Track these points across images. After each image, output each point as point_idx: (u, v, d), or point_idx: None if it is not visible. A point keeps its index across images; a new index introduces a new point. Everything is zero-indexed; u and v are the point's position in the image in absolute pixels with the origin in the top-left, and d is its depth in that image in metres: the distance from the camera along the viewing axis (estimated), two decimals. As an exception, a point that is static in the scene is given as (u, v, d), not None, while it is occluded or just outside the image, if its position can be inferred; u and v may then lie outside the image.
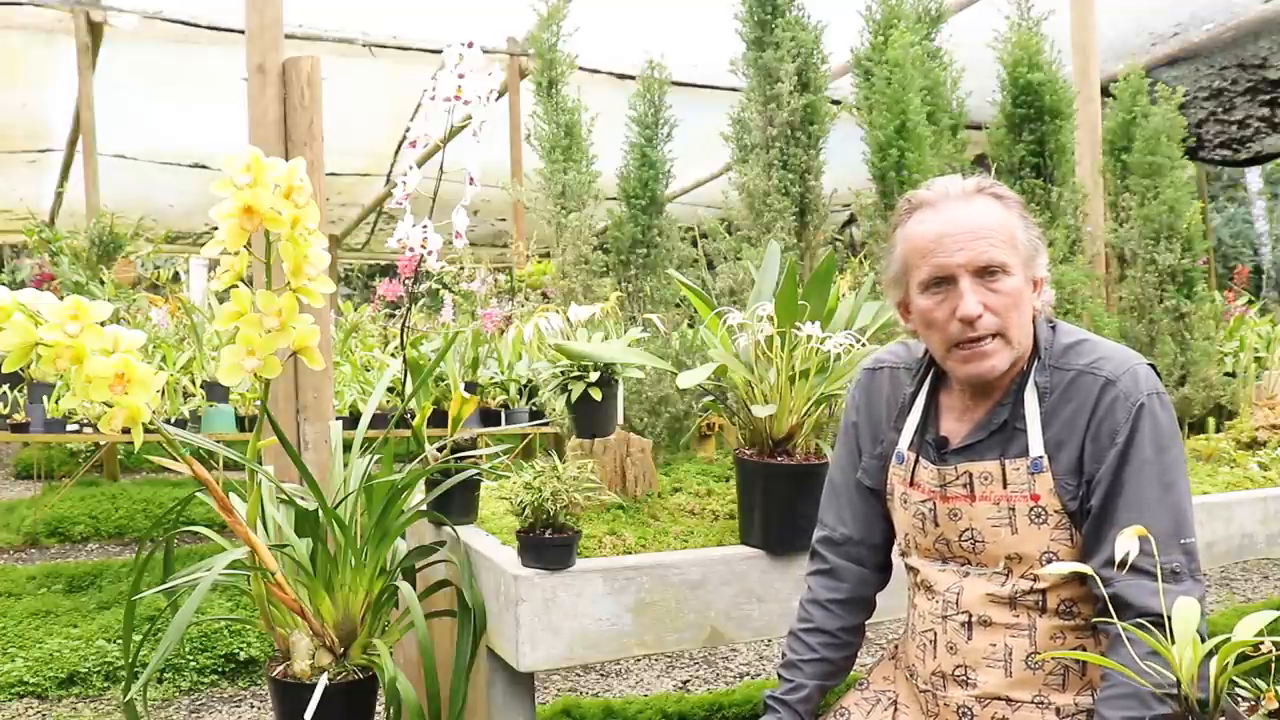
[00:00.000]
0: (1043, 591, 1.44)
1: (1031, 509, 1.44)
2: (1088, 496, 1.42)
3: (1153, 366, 1.47)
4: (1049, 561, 1.43)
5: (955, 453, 1.52)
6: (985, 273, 1.43)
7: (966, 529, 1.50)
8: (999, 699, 1.46)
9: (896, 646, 1.72)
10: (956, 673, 1.50)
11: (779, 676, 1.66)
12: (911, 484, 1.57)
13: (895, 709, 1.62)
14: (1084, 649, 1.44)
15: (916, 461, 1.56)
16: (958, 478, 1.50)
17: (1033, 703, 1.44)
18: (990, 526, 1.47)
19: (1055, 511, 1.44)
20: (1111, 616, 1.26)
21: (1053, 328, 1.53)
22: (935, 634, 1.53)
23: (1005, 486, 1.46)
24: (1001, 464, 1.47)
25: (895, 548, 1.69)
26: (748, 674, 3.72)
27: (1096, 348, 1.48)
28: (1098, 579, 1.31)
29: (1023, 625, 1.45)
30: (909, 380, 1.62)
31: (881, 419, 1.65)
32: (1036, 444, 1.45)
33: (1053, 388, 1.47)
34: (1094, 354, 1.47)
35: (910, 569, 1.62)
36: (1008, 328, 1.44)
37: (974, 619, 1.48)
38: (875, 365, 1.70)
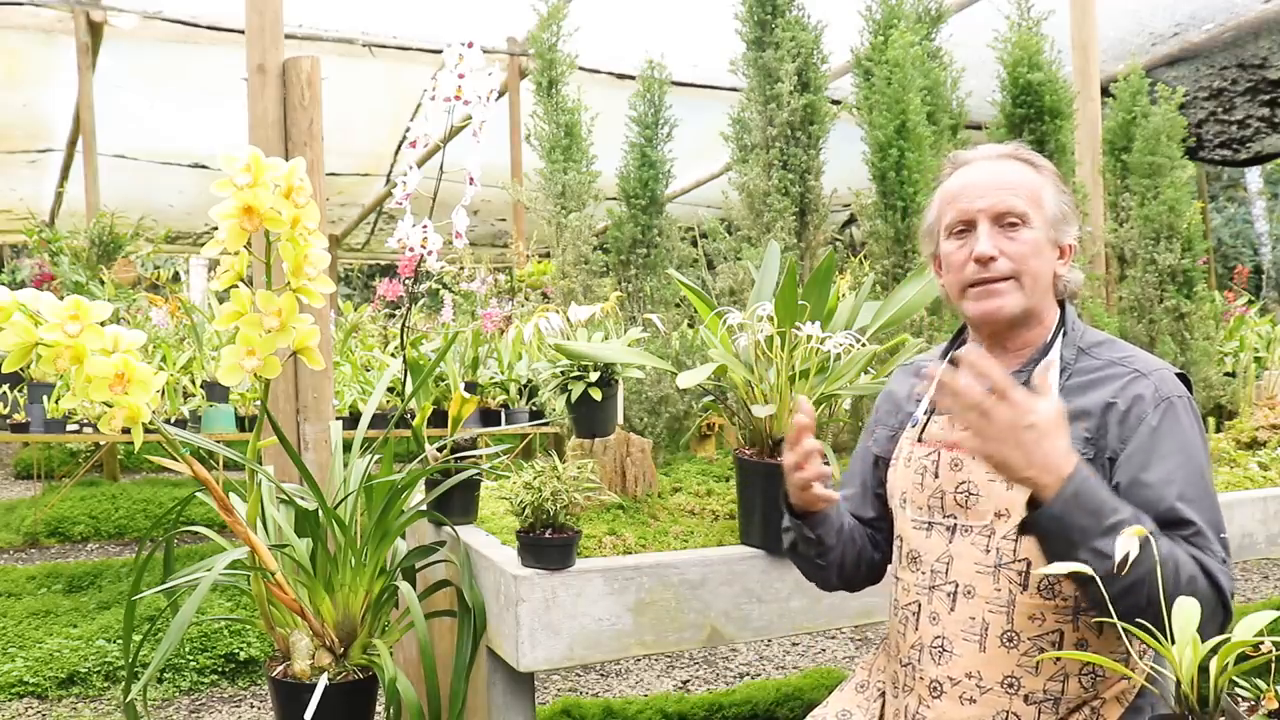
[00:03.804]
0: (1027, 561, 1.45)
1: None
2: (1101, 474, 1.42)
3: (1183, 376, 1.51)
4: None
5: None
6: (1004, 221, 1.52)
7: (964, 481, 1.52)
8: (969, 677, 1.46)
9: (886, 636, 1.73)
10: (934, 643, 1.51)
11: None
12: (920, 441, 1.60)
13: (883, 700, 1.63)
14: (1063, 633, 1.44)
15: (929, 418, 1.61)
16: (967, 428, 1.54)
17: (1001, 685, 1.45)
18: (986, 480, 1.50)
19: None
20: (1108, 611, 1.25)
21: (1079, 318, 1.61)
22: (919, 605, 1.54)
23: None
24: None
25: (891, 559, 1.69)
26: (748, 674, 3.72)
27: (1129, 348, 1.55)
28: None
29: (1002, 600, 1.46)
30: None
31: (904, 398, 1.72)
32: None
33: (1077, 370, 1.51)
34: (1126, 351, 1.54)
35: (896, 540, 1.63)
36: (1021, 273, 1.51)
37: (960, 588, 1.49)
38: (912, 362, 1.79)
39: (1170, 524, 1.37)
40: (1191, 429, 1.45)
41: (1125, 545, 1.20)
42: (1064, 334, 1.55)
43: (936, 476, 1.56)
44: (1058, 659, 1.44)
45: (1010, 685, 1.44)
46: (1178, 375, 1.50)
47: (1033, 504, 1.32)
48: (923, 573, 1.54)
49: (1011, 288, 1.51)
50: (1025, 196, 1.52)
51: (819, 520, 1.61)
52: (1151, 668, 1.18)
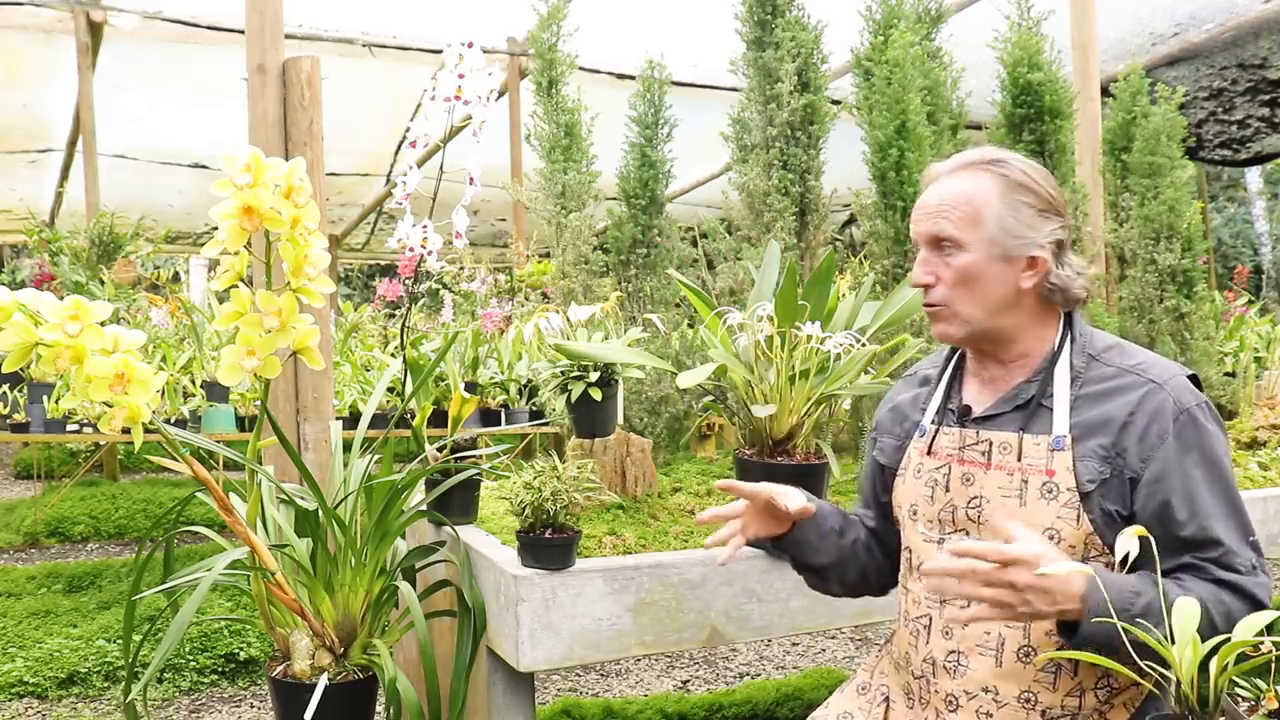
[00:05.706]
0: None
1: (1044, 484, 1.44)
2: (1119, 492, 1.41)
3: (1194, 377, 1.49)
4: (1052, 538, 1.42)
5: (977, 420, 1.55)
6: (937, 245, 1.51)
7: (976, 496, 1.50)
8: (986, 691, 1.45)
9: (889, 638, 1.72)
10: (948, 659, 1.49)
11: None
12: (929, 453, 1.58)
13: (887, 705, 1.62)
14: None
15: (938, 429, 1.59)
16: (978, 443, 1.53)
17: (1018, 700, 1.44)
18: (1000, 496, 1.48)
19: (1067, 489, 1.43)
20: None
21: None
22: (931, 618, 1.53)
23: (1020, 459, 1.47)
24: (1020, 437, 1.48)
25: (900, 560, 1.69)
26: (748, 674, 3.72)
27: (1140, 353, 1.51)
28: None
29: None
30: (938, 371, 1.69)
31: (909, 407, 1.69)
32: (1062, 423, 1.45)
33: (1089, 379, 1.48)
34: (1138, 357, 1.50)
35: (905, 551, 1.62)
36: (951, 302, 1.50)
37: (972, 603, 1.48)
38: (915, 371, 1.76)
39: (1200, 544, 1.37)
40: (1213, 437, 1.42)
41: (1125, 545, 1.20)
42: (1072, 340, 1.51)
43: (947, 490, 1.54)
44: (1075, 673, 1.42)
45: (1027, 700, 1.43)
46: (1189, 378, 1.47)
47: (1064, 628, 1.32)
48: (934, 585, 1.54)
49: (949, 314, 1.51)
50: (959, 218, 1.48)
51: (792, 544, 1.65)
52: (1159, 673, 1.18)
